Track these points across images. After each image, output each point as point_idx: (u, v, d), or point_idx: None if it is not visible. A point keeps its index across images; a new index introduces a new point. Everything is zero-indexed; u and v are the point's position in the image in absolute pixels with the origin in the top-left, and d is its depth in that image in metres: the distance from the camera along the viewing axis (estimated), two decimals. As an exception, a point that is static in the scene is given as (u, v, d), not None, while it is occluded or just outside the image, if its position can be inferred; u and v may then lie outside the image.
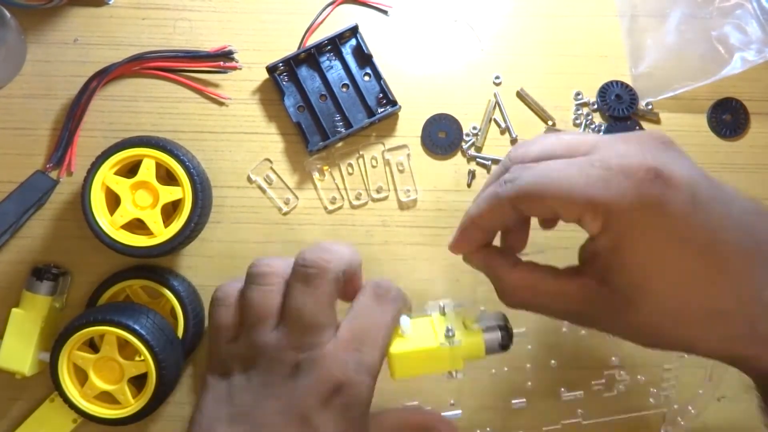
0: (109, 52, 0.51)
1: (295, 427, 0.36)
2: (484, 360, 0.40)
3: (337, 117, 0.51)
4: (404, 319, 0.40)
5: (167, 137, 0.50)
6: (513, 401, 0.50)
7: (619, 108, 0.52)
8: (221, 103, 0.52)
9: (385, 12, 0.53)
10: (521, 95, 0.52)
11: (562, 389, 0.50)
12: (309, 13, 0.52)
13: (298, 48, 0.51)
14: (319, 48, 0.51)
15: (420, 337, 0.40)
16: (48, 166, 0.50)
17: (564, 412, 0.50)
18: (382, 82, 0.51)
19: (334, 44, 0.51)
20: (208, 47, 0.51)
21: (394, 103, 0.51)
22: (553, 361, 0.50)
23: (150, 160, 0.46)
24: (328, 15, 0.52)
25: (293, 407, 0.36)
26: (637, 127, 0.52)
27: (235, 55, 0.51)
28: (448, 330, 0.40)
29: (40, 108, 0.51)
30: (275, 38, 0.52)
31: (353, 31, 0.51)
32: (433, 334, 0.40)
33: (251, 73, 0.52)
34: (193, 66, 0.51)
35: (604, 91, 0.52)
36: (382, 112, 0.51)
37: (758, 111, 0.53)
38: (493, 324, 0.41)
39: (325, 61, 0.51)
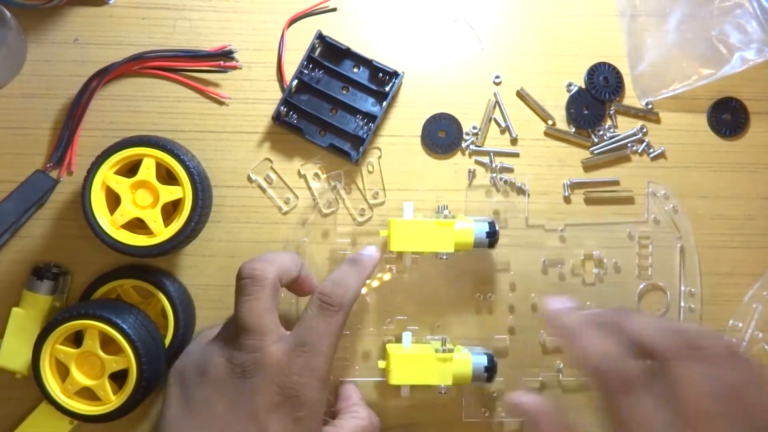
0: (109, 52, 0.51)
1: (245, 424, 0.39)
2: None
3: (358, 116, 0.51)
4: (406, 335, 0.48)
5: (167, 137, 0.50)
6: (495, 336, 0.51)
7: (603, 91, 0.52)
8: (221, 103, 0.52)
9: (333, 9, 0.52)
10: (521, 95, 0.52)
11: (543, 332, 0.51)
12: (309, 13, 0.52)
13: (284, 87, 0.51)
14: (301, 72, 0.51)
15: (417, 348, 0.48)
16: (48, 165, 0.50)
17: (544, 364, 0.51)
18: (372, 63, 0.51)
19: (311, 59, 0.51)
20: (208, 47, 0.51)
21: (395, 74, 0.51)
22: (535, 300, 0.51)
23: (150, 159, 0.46)
24: (284, 45, 0.51)
25: (243, 405, 0.39)
26: (611, 114, 0.52)
27: (235, 55, 0.51)
28: (444, 340, 0.48)
29: (40, 108, 0.51)
30: (275, 38, 0.52)
31: (320, 38, 0.51)
32: (429, 348, 0.47)
33: (251, 72, 0.52)
34: (193, 65, 0.51)
35: (594, 70, 0.52)
36: (391, 88, 0.50)
37: (758, 110, 0.53)
38: (481, 352, 0.48)
39: (313, 78, 0.51)
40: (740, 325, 0.51)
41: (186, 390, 0.41)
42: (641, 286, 0.51)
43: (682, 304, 0.50)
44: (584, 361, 0.35)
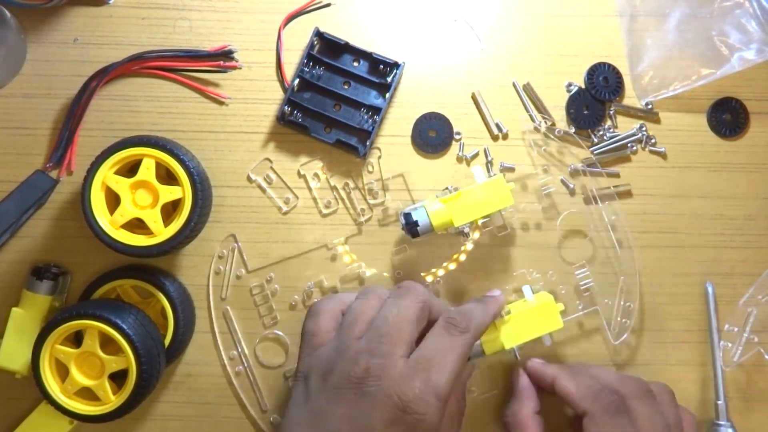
0: (109, 52, 0.51)
1: None
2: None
3: (362, 110, 0.51)
4: (526, 288, 0.49)
5: (167, 137, 0.50)
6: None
7: (603, 91, 0.52)
8: (221, 103, 0.52)
9: (328, 4, 0.52)
10: (520, 95, 0.52)
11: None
12: (309, 13, 0.52)
13: (286, 86, 0.51)
14: (302, 70, 0.51)
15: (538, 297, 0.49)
16: (48, 165, 0.50)
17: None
18: (372, 56, 0.51)
19: (311, 57, 0.51)
20: (208, 47, 0.52)
21: (396, 64, 0.51)
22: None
23: (150, 159, 0.46)
24: (282, 44, 0.51)
25: (360, 417, 0.38)
26: (611, 114, 0.52)
27: (235, 55, 0.51)
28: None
29: (40, 108, 0.51)
30: (275, 38, 0.52)
31: (318, 35, 0.51)
32: (545, 295, 0.49)
33: (251, 72, 0.52)
34: (193, 65, 0.51)
35: (594, 70, 0.52)
36: (393, 79, 0.50)
37: (758, 110, 0.53)
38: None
39: (315, 75, 0.51)
40: (735, 329, 0.50)
41: (308, 392, 0.41)
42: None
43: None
44: (568, 396, 0.45)
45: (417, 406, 0.38)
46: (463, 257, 0.51)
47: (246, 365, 0.50)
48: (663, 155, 0.52)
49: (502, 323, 0.47)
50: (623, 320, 0.50)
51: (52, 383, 0.46)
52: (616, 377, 0.46)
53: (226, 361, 0.50)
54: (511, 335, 0.47)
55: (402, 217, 0.47)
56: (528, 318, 0.47)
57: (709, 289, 0.51)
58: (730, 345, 0.50)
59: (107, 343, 0.46)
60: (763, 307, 0.51)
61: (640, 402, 0.44)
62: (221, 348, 0.50)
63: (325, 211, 0.51)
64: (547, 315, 0.47)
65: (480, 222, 0.49)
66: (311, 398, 0.40)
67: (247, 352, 0.50)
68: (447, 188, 0.49)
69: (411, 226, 0.47)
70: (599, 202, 0.51)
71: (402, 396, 0.38)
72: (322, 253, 0.51)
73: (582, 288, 0.51)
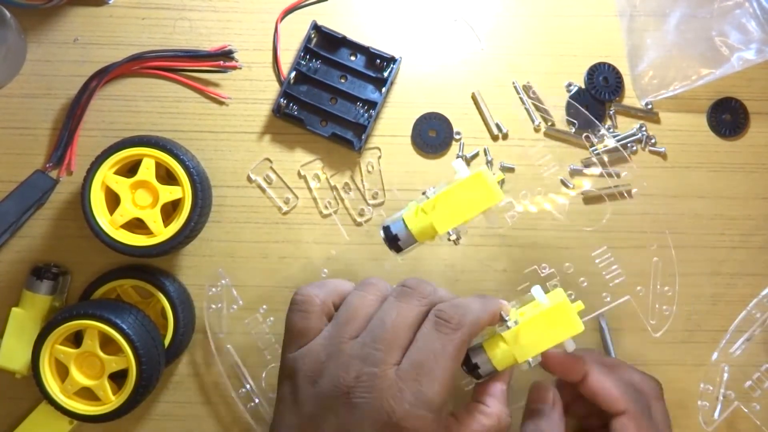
0: (109, 52, 0.51)
1: None
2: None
3: (359, 104, 0.51)
4: (536, 289, 0.42)
5: (167, 137, 0.50)
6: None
7: (603, 91, 0.52)
8: (221, 103, 0.52)
9: None
10: (520, 95, 0.52)
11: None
12: (309, 13, 0.52)
13: (281, 79, 0.51)
14: (299, 63, 0.51)
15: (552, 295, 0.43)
16: (48, 165, 0.50)
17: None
18: (369, 50, 0.51)
19: (308, 50, 0.51)
20: (208, 47, 0.52)
21: (393, 59, 0.51)
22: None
23: (150, 159, 0.47)
24: (279, 39, 0.51)
25: (351, 429, 0.36)
26: (611, 114, 0.52)
27: (235, 55, 0.51)
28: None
29: (40, 108, 0.51)
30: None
31: (315, 28, 0.51)
32: (560, 293, 0.42)
33: (251, 72, 0.52)
34: (193, 65, 0.51)
35: (594, 70, 0.52)
36: (389, 74, 0.51)
37: (758, 111, 0.53)
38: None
39: (311, 68, 0.51)
40: (710, 388, 0.50)
41: (296, 393, 0.38)
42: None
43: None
44: (606, 394, 0.42)
45: (408, 423, 0.35)
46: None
47: (258, 401, 0.49)
48: (663, 155, 0.52)
49: (511, 333, 0.41)
50: (663, 308, 0.49)
51: (52, 383, 0.46)
52: (639, 375, 0.45)
53: (236, 399, 0.49)
54: (524, 346, 0.40)
55: (381, 231, 0.43)
56: (540, 323, 0.41)
57: (602, 323, 0.49)
58: (707, 405, 0.50)
59: (107, 343, 0.46)
60: (736, 360, 0.50)
61: (659, 403, 0.43)
62: (230, 387, 0.49)
63: (325, 211, 0.51)
64: (563, 317, 0.41)
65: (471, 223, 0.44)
66: (299, 401, 0.38)
67: (254, 385, 0.49)
68: (425, 192, 0.43)
69: (391, 242, 0.42)
70: (615, 176, 0.50)
71: (391, 413, 0.35)
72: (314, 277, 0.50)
73: (607, 277, 0.49)
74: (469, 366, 0.41)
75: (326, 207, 0.51)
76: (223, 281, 0.50)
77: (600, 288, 0.50)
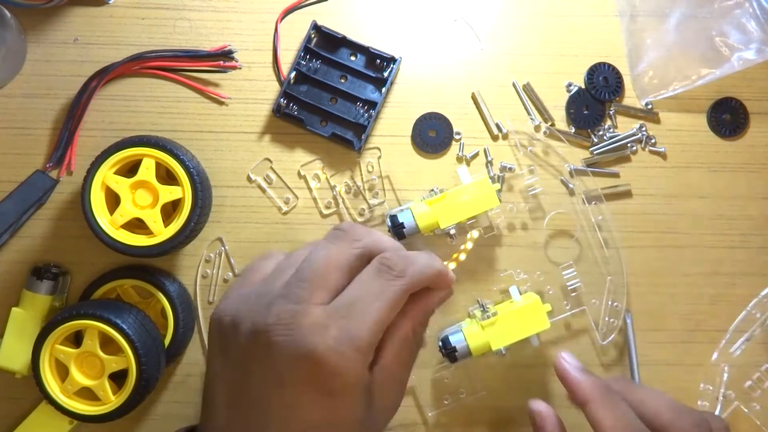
0: (109, 52, 0.51)
1: (274, 397, 0.34)
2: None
3: (359, 104, 0.51)
4: (513, 289, 0.49)
5: (167, 137, 0.50)
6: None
7: (603, 91, 0.52)
8: (221, 103, 0.52)
9: None
10: (520, 95, 0.52)
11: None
12: (309, 13, 0.52)
13: (281, 79, 0.51)
14: (299, 63, 0.51)
15: (525, 297, 0.49)
16: (48, 165, 0.50)
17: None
18: (369, 50, 0.51)
19: (308, 50, 0.51)
20: (208, 47, 0.52)
21: (393, 59, 0.51)
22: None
23: (150, 159, 0.47)
24: (279, 38, 0.51)
25: (272, 373, 0.34)
26: (611, 114, 0.52)
27: (235, 55, 0.51)
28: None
29: (40, 108, 0.51)
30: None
31: (315, 28, 0.51)
32: (532, 295, 0.49)
33: (251, 72, 0.52)
34: (193, 65, 0.51)
35: (594, 70, 0.52)
36: (389, 74, 0.51)
37: (758, 111, 0.53)
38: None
39: (311, 68, 0.51)
40: (710, 388, 0.50)
41: (224, 344, 0.36)
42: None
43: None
44: (597, 427, 0.40)
45: (331, 360, 0.33)
46: (462, 257, 0.50)
47: None
48: (663, 155, 0.52)
49: (488, 324, 0.47)
50: (611, 320, 0.50)
51: (52, 383, 0.46)
52: (669, 407, 0.40)
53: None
54: (498, 336, 0.47)
55: (388, 219, 0.48)
56: (515, 318, 0.47)
57: (628, 320, 0.50)
58: (707, 405, 0.50)
59: (107, 343, 0.46)
60: (736, 360, 0.50)
61: None
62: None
63: (325, 212, 0.51)
64: (534, 315, 0.47)
65: (467, 223, 0.49)
66: (225, 351, 0.36)
67: None
68: (433, 190, 0.48)
69: (397, 228, 0.47)
70: (587, 203, 0.51)
71: (313, 349, 0.33)
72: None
73: (569, 288, 0.51)
74: (447, 348, 0.47)
75: (326, 207, 0.51)
76: (222, 248, 0.50)
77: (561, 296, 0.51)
